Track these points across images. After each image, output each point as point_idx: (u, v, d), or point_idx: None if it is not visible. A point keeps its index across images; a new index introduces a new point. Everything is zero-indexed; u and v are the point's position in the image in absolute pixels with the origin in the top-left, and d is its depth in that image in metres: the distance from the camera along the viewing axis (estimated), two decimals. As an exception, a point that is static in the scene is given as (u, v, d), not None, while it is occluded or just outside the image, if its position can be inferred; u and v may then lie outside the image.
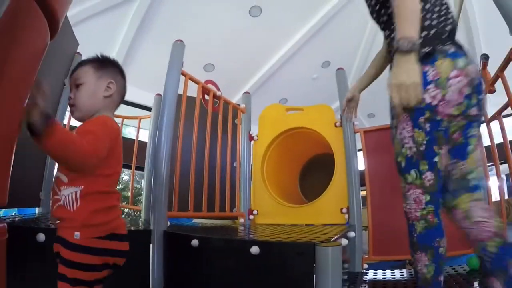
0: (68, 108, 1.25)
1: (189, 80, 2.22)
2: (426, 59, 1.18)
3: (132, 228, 1.98)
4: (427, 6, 1.24)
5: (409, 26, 1.10)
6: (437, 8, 1.25)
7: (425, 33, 1.20)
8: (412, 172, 1.22)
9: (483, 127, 1.91)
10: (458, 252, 2.27)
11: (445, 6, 1.27)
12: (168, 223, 1.98)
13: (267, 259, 1.43)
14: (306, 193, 3.38)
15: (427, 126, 1.19)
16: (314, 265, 1.27)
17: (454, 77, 1.17)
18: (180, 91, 2.16)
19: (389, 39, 1.33)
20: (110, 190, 1.11)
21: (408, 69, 1.09)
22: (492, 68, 1.96)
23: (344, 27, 5.91)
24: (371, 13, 1.42)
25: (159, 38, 5.17)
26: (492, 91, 1.87)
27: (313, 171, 3.37)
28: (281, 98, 7.36)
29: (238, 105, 2.95)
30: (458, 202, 1.29)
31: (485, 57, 2.00)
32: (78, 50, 2.48)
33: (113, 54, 5.44)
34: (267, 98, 6.87)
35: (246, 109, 2.99)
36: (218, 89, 2.64)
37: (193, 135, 2.29)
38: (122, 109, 1.79)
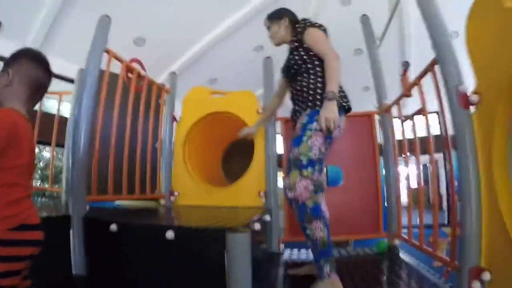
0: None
1: (113, 57, 2.15)
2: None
3: (51, 215, 1.93)
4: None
5: (334, 84, 1.65)
6: None
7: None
8: (309, 169, 1.65)
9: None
10: (370, 236, 2.57)
11: None
12: (88, 207, 1.93)
13: (182, 244, 1.49)
14: (229, 176, 3.46)
15: (328, 145, 1.73)
16: (225, 249, 1.36)
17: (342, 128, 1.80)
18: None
19: (295, 87, 1.86)
20: (14, 182, 1.09)
21: (332, 109, 1.62)
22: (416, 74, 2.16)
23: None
24: (289, 68, 1.88)
25: (88, 7, 4.80)
26: (409, 95, 2.09)
27: (236, 155, 3.45)
28: (212, 78, 7.33)
29: (164, 85, 2.91)
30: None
31: (406, 64, 2.25)
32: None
33: (37, 24, 4.99)
34: (197, 77, 6.79)
35: (171, 90, 2.96)
36: (143, 68, 2.58)
37: (113, 113, 2.24)
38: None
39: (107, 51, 2.08)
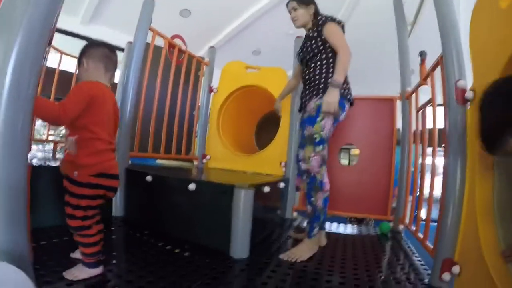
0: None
1: (157, 35, 2.44)
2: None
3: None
4: None
5: (342, 75, 1.87)
6: None
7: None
8: (321, 146, 1.91)
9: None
10: (377, 216, 2.72)
11: None
12: (130, 161, 2.32)
13: (201, 194, 1.84)
14: (260, 145, 3.72)
15: (334, 127, 1.99)
16: (232, 201, 1.71)
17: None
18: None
19: (308, 72, 2.05)
20: (96, 137, 1.39)
21: (335, 95, 1.84)
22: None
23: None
24: (305, 55, 2.06)
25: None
26: (425, 84, 2.18)
27: (268, 126, 3.69)
28: (256, 49, 7.46)
29: (203, 58, 3.17)
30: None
31: (423, 54, 2.33)
32: None
33: None
34: (241, 49, 6.97)
35: (210, 63, 3.22)
36: (185, 43, 2.84)
37: (156, 83, 2.55)
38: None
39: (152, 29, 2.36)
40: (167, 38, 2.58)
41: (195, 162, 3.21)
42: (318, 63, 2.00)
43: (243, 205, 1.71)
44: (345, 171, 2.80)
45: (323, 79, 1.96)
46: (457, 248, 1.44)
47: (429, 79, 2.07)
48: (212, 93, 3.26)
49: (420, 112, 2.34)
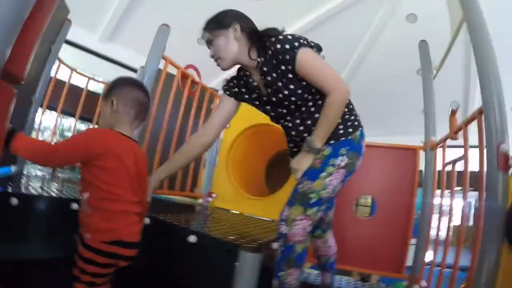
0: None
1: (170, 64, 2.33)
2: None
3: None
4: None
5: (323, 138, 1.41)
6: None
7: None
8: (315, 209, 1.42)
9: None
10: (390, 274, 2.49)
11: None
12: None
13: (202, 249, 1.63)
14: (271, 187, 3.53)
15: (345, 183, 1.51)
16: (236, 262, 1.48)
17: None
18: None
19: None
20: (113, 197, 1.22)
21: (308, 161, 1.44)
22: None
23: (346, 24, 5.88)
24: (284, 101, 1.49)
25: (157, 2, 5.10)
26: (455, 138, 2.00)
27: (279, 166, 3.52)
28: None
29: (217, 91, 3.05)
30: (326, 235, 1.83)
31: (455, 105, 2.12)
32: (69, 17, 2.52)
33: (108, 15, 5.34)
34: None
35: (228, 95, 3.09)
36: (199, 74, 2.73)
37: (165, 111, 2.42)
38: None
39: (164, 58, 2.24)
40: (180, 68, 2.47)
41: (200, 200, 3.02)
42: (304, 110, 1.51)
43: (248, 269, 1.48)
44: (359, 224, 2.57)
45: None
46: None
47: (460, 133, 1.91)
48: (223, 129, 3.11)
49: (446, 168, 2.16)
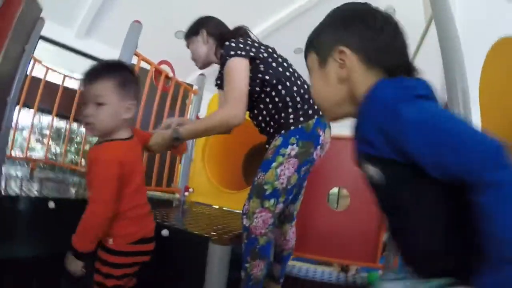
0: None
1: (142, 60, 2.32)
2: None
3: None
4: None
5: (189, 132, 1.53)
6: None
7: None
8: (272, 200, 1.46)
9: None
10: (364, 264, 2.58)
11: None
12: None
13: (175, 242, 1.66)
14: (250, 179, 3.55)
15: (302, 174, 1.52)
16: (207, 255, 1.51)
17: (327, 144, 1.59)
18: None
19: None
20: (134, 204, 1.25)
21: (164, 143, 1.53)
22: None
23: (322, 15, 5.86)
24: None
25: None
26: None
27: (258, 159, 3.53)
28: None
29: (191, 86, 3.06)
30: (284, 227, 1.81)
31: None
32: (45, 13, 2.47)
33: (84, 11, 5.23)
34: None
35: (199, 91, 3.10)
36: (172, 70, 2.73)
37: (139, 109, 2.41)
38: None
39: (137, 54, 2.23)
40: (153, 64, 2.46)
41: (177, 195, 3.03)
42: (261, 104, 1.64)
43: (219, 260, 1.51)
44: (333, 216, 2.62)
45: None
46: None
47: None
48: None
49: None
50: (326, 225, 2.57)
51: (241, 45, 1.54)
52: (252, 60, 1.56)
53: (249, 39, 1.65)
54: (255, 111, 1.67)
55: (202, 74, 3.23)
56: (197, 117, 3.09)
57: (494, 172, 0.52)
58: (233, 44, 1.54)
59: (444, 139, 0.57)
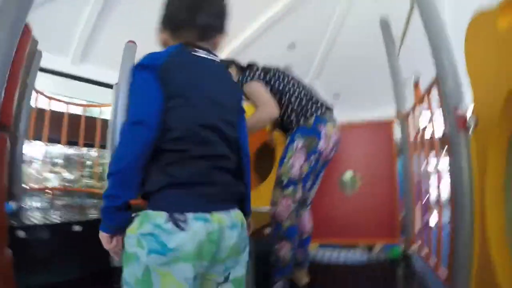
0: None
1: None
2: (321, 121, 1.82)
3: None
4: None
5: None
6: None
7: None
8: (290, 188, 1.75)
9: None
10: (385, 240, 2.63)
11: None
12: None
13: None
14: (262, 176, 3.60)
15: (313, 163, 1.79)
16: None
17: (334, 135, 1.85)
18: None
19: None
20: None
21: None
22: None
23: (312, 11, 5.87)
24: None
25: (123, 17, 5.08)
26: (420, 105, 2.12)
27: (268, 155, 3.58)
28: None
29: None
30: (301, 212, 1.97)
31: (415, 76, 2.27)
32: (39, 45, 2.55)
33: (77, 36, 5.29)
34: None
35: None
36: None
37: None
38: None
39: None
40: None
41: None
42: None
43: None
44: (346, 198, 2.69)
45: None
46: (473, 281, 1.33)
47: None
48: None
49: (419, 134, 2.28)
50: (341, 210, 2.67)
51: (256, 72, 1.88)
52: (262, 80, 1.87)
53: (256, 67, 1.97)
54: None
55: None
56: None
57: (126, 123, 0.85)
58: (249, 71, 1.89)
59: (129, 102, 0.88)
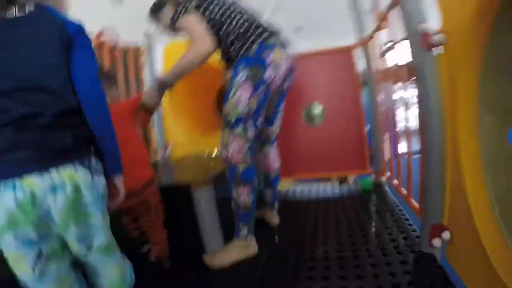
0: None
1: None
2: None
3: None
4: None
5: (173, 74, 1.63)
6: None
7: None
8: (240, 127, 1.57)
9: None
10: (355, 172, 2.64)
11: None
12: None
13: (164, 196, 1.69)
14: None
15: (262, 96, 1.59)
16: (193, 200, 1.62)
17: (284, 62, 1.62)
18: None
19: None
20: None
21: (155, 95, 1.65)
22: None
23: None
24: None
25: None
26: (381, 29, 2.00)
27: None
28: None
29: (140, 47, 2.89)
30: (264, 149, 1.93)
31: None
32: None
33: None
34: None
35: (148, 50, 2.95)
36: (114, 37, 2.53)
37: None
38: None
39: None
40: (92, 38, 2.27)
41: (159, 155, 2.97)
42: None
43: (204, 202, 1.62)
44: (313, 131, 2.63)
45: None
46: (446, 212, 1.31)
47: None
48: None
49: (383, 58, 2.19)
50: (306, 142, 2.62)
51: (188, 5, 1.66)
52: (196, 9, 1.65)
53: None
54: (220, 52, 1.75)
55: (148, 32, 3.03)
56: (155, 75, 2.92)
57: None
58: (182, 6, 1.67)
59: None
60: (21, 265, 0.81)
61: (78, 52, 0.92)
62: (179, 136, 2.95)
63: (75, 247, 0.87)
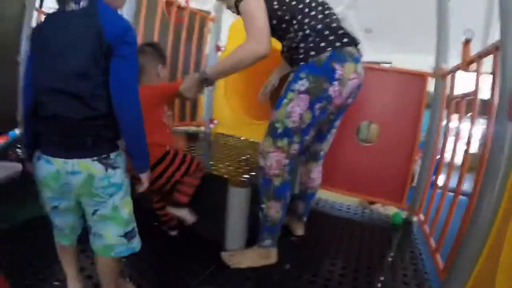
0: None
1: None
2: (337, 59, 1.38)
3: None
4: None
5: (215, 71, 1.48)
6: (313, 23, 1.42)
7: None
8: (285, 140, 1.43)
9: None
10: (389, 203, 2.51)
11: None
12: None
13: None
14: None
15: (318, 112, 1.42)
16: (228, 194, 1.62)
17: (354, 78, 1.42)
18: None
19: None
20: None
21: (194, 87, 1.54)
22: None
23: None
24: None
25: None
26: (467, 70, 1.82)
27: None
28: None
29: (209, 13, 2.79)
30: (308, 165, 1.84)
31: (469, 33, 1.86)
32: None
33: None
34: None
35: (216, 19, 2.84)
36: (185, -2, 2.48)
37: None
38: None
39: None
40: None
41: (202, 128, 2.98)
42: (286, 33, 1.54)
43: (238, 202, 1.63)
44: (359, 149, 2.48)
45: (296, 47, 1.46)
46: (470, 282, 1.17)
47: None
48: (219, 52, 2.88)
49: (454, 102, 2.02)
50: (352, 160, 2.48)
51: None
52: None
53: None
54: (282, 46, 1.58)
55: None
56: (218, 46, 2.86)
57: None
58: None
59: None
60: (47, 207, 1.10)
61: (116, 62, 0.98)
62: (226, 115, 2.91)
63: (88, 208, 1.09)
